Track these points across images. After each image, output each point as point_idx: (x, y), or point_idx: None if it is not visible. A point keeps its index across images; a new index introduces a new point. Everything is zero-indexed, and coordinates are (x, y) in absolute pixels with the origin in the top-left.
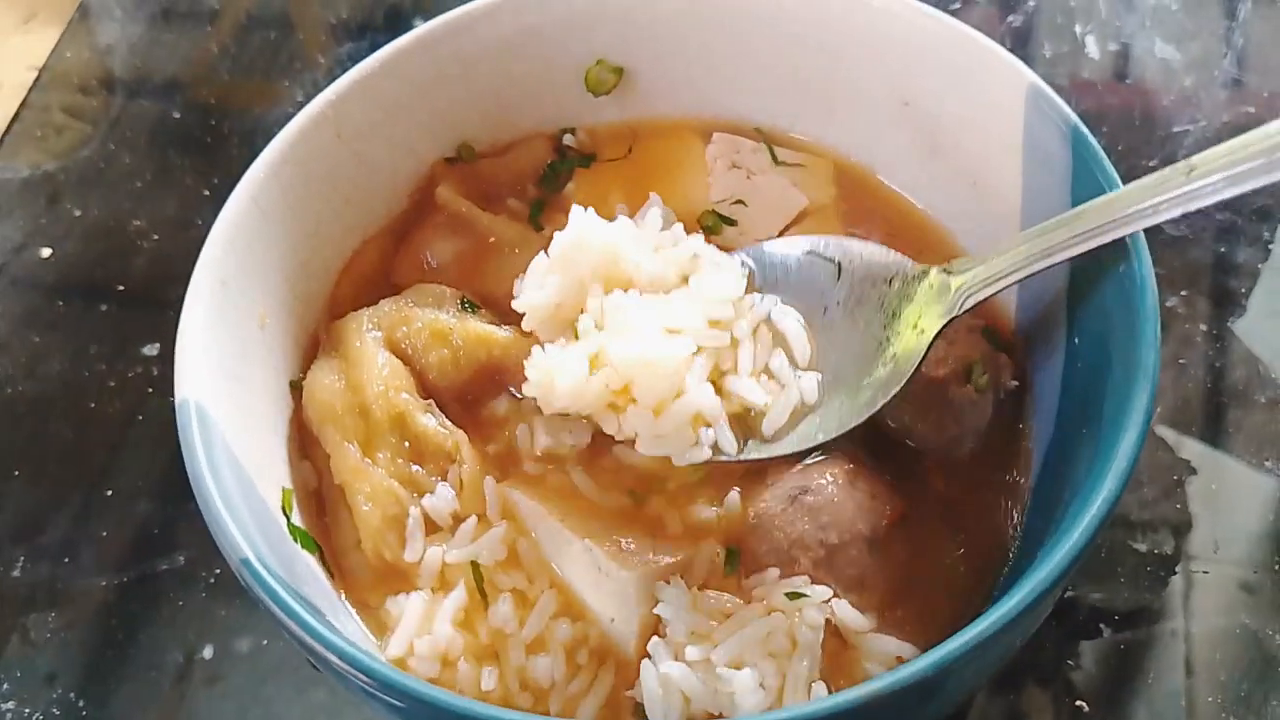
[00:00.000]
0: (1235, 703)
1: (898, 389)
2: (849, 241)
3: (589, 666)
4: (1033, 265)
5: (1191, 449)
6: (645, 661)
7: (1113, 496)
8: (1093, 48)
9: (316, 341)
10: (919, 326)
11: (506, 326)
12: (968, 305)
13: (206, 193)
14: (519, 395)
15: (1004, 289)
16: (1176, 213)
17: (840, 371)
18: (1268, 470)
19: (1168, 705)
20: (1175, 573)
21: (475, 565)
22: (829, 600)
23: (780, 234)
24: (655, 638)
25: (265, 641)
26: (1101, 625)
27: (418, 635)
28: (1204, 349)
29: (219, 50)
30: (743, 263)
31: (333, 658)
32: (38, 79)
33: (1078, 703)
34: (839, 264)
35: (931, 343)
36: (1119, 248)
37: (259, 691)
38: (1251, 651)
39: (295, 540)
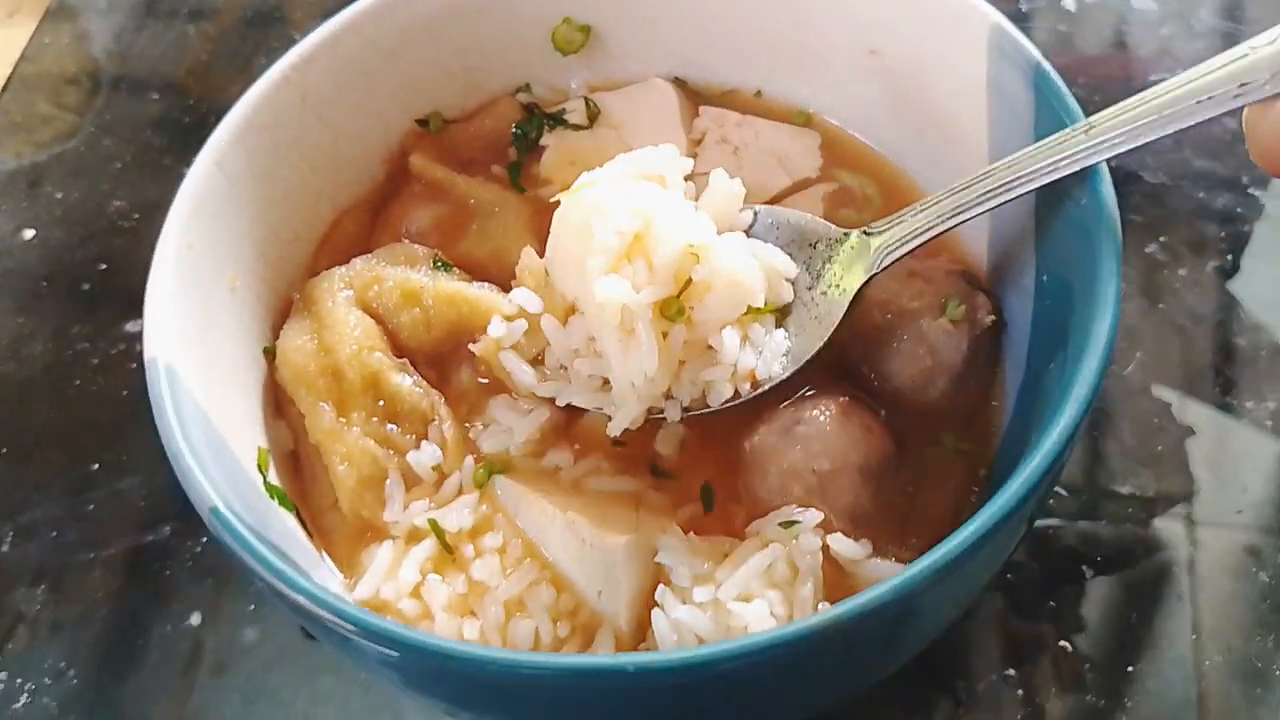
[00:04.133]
0: (1242, 664)
1: (820, 345)
2: (780, 210)
3: (574, 639)
4: (945, 222)
5: (1193, 411)
6: (655, 611)
7: (1073, 423)
8: (1070, 1)
9: (290, 307)
10: (841, 286)
11: (479, 284)
12: (886, 263)
13: (185, 172)
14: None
15: (919, 246)
16: (1077, 167)
17: None
18: (1271, 431)
19: (1175, 669)
20: (1179, 536)
21: (437, 525)
22: (821, 525)
23: None
24: (661, 585)
25: (270, 630)
26: (1106, 589)
27: (385, 580)
28: (1195, 304)
29: (200, 36)
30: None
31: (307, 603)
32: (17, 70)
33: (1071, 651)
34: (774, 229)
35: (852, 302)
36: (1080, 182)
37: (265, 680)
38: (1258, 614)
39: (272, 498)
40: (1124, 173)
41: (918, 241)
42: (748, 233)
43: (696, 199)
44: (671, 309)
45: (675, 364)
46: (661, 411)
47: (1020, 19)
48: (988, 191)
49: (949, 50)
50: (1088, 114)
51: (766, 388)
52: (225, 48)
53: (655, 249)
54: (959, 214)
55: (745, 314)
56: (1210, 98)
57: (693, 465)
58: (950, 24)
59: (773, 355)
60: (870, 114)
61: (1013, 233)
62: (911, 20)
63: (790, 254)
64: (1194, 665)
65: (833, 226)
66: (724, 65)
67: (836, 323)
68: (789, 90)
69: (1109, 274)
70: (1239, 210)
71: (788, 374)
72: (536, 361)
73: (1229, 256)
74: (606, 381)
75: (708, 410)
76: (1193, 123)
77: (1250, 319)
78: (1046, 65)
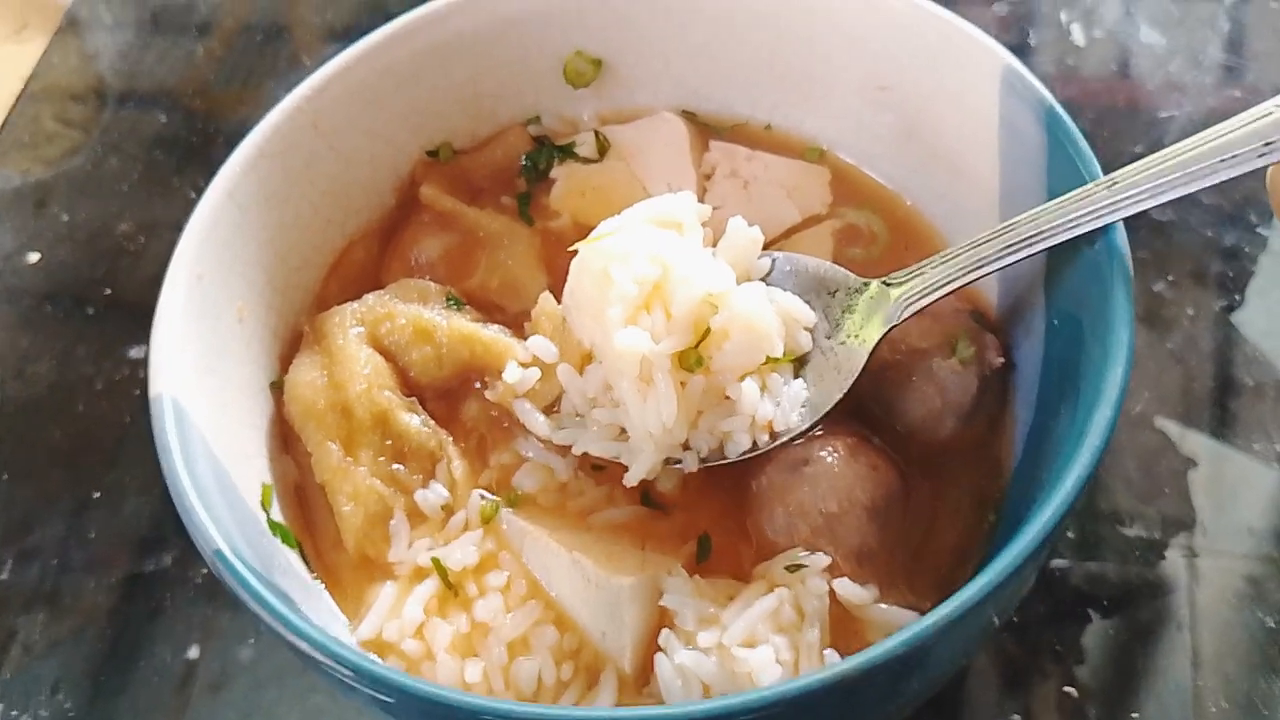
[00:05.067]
0: (1242, 696)
1: (840, 396)
2: (798, 257)
3: (578, 680)
4: (966, 276)
5: (1194, 441)
6: (659, 655)
7: (1085, 474)
8: (1078, 35)
9: (298, 337)
10: (860, 336)
11: (492, 325)
12: (906, 314)
13: (193, 195)
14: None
15: (939, 299)
16: (1100, 224)
17: None
18: (1271, 462)
19: (1173, 699)
20: (1180, 568)
21: (440, 563)
22: (827, 568)
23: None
24: (665, 629)
25: (266, 648)
26: (1105, 620)
27: (388, 619)
28: (1200, 339)
29: (207, 54)
30: None
31: (306, 647)
32: (26, 87)
33: (1067, 689)
34: (793, 276)
35: (872, 352)
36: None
37: (260, 698)
38: (1258, 645)
39: (275, 535)
40: None
41: (938, 294)
42: (765, 280)
43: (714, 244)
44: (690, 359)
45: (694, 414)
46: (679, 461)
47: (1028, 52)
48: (1008, 246)
49: (960, 88)
50: (1094, 147)
51: (785, 439)
52: (230, 65)
53: (673, 298)
54: (979, 268)
55: (764, 363)
56: (1234, 155)
57: (699, 503)
58: (961, 62)
59: (791, 405)
60: (880, 149)
61: (1023, 273)
62: (923, 58)
63: (808, 301)
64: (1198, 710)
65: (852, 275)
66: (733, 98)
67: (856, 373)
68: (798, 124)
69: (1122, 321)
70: (1245, 247)
71: (806, 425)
72: (550, 410)
73: (1236, 295)
74: (623, 429)
75: (725, 461)
76: (1216, 181)
77: (1256, 354)
78: (1059, 107)
